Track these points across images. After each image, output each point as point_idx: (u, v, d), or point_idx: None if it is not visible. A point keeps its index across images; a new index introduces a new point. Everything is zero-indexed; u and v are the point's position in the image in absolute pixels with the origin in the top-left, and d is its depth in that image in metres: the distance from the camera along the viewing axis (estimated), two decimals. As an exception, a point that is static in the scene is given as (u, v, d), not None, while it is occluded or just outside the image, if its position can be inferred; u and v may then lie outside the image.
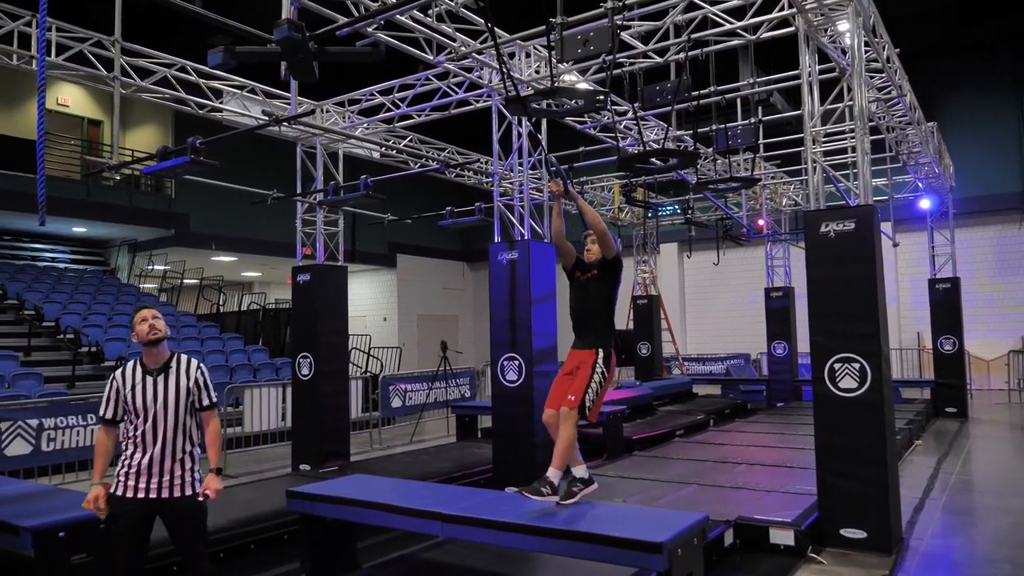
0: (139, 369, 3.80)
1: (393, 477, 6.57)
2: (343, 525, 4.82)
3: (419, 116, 9.13)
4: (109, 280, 17.16)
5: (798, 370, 15.05)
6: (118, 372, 3.84)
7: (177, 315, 15.65)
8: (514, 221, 7.91)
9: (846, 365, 5.53)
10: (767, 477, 7.12)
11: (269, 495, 6.40)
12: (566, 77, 7.81)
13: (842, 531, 5.43)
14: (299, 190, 9.13)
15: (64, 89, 17.48)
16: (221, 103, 8.25)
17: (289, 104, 8.61)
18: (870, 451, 5.43)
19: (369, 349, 15.93)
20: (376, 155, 10.45)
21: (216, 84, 8.27)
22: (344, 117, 9.25)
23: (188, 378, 3.78)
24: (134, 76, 7.54)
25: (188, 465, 3.75)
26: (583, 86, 7.74)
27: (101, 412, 3.80)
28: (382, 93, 8.89)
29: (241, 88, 8.51)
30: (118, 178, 16.17)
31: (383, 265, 22.34)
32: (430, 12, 6.69)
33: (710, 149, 10.84)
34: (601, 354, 4.41)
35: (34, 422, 8.07)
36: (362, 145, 9.52)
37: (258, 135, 8.07)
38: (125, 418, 3.78)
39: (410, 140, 10.78)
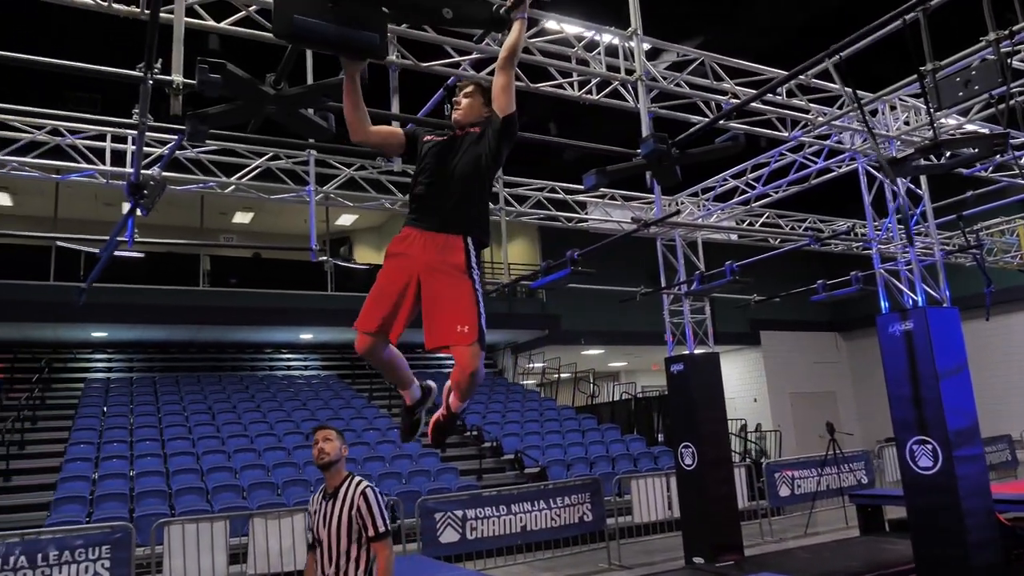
0: (321, 494, 3.62)
1: (799, 576, 6.14)
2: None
3: (776, 193, 8.92)
4: (499, 381, 19.28)
5: None
6: (312, 496, 3.71)
7: (559, 409, 16.89)
8: (901, 287, 7.16)
9: None
10: None
11: (671, 591, 6.40)
12: (944, 121, 7.02)
13: None
14: (663, 282, 9.42)
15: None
16: (586, 214, 9.00)
17: (645, 203, 9.07)
18: None
19: (746, 434, 15.37)
20: (734, 237, 10.39)
21: (580, 197, 9.08)
22: (699, 206, 9.42)
23: (352, 505, 3.45)
24: (515, 203, 8.65)
25: None
26: (971, 127, 6.87)
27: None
28: (734, 176, 8.90)
29: (602, 197, 9.22)
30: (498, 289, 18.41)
31: (746, 344, 21.67)
32: (779, 90, 6.60)
33: None
34: (472, 247, 2.79)
35: (459, 512, 9.25)
36: (719, 230, 9.56)
37: (610, 230, 8.64)
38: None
39: (767, 216, 10.53)
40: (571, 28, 5.68)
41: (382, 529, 3.40)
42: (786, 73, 5.14)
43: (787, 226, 10.93)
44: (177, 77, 3.68)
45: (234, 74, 3.37)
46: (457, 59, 5.28)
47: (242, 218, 20.20)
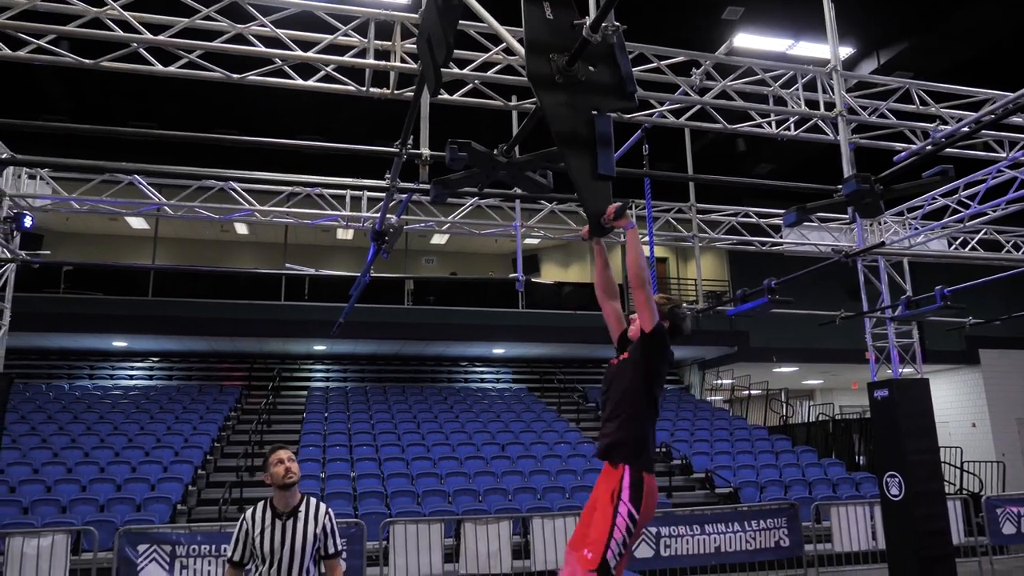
0: (269, 512, 3.71)
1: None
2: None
3: (993, 212, 8.37)
4: (686, 397, 19.20)
5: None
6: (248, 513, 3.80)
7: (750, 429, 16.55)
8: None
9: None
10: None
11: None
12: None
13: None
14: (864, 303, 9.14)
15: (637, 237, 20.88)
16: (780, 237, 8.97)
17: (843, 224, 8.88)
18: None
19: (962, 463, 14.24)
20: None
21: (775, 221, 9.07)
22: (904, 225, 9.05)
23: (316, 523, 3.69)
24: (707, 229, 8.82)
25: None
26: None
27: (229, 553, 3.76)
28: (944, 195, 8.47)
29: (797, 219, 9.13)
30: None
31: (962, 363, 19.92)
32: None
33: None
34: (628, 477, 3.04)
35: (653, 529, 9.51)
36: (929, 255, 9.11)
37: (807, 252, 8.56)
38: (251, 562, 3.69)
39: (984, 232, 9.84)
40: (769, 44, 5.82)
41: (340, 547, 3.81)
42: (1009, 95, 5.02)
43: (1008, 241, 10.11)
44: (425, 151, 4.36)
45: (476, 150, 3.98)
46: (657, 108, 5.64)
47: (439, 239, 21.73)
